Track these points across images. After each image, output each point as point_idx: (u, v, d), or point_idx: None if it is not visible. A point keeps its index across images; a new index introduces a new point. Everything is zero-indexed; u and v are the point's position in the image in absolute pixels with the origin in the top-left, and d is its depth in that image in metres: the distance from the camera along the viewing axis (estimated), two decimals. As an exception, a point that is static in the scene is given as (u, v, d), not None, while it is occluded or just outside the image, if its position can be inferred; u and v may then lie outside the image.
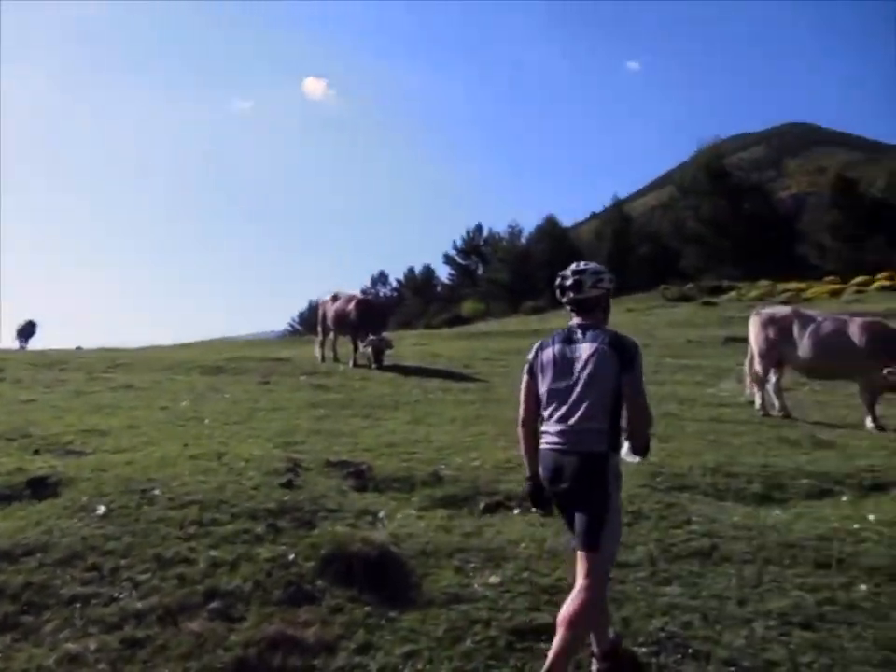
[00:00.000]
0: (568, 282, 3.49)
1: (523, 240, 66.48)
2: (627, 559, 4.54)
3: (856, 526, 5.16)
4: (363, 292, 51.09)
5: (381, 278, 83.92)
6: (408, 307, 71.35)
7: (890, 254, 45.25)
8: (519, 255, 62.05)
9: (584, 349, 3.34)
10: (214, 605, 3.86)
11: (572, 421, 3.28)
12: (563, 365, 3.37)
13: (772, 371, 9.40)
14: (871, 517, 5.39)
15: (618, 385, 3.27)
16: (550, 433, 3.37)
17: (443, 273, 77.24)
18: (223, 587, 4.03)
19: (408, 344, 21.25)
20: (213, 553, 4.38)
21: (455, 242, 73.70)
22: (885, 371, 8.11)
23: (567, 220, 74.30)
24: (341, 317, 15.13)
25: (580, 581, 3.22)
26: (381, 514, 5.18)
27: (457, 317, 54.24)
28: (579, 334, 3.41)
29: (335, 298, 15.74)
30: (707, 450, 7.09)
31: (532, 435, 3.53)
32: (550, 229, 63.01)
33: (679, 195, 56.52)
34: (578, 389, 3.30)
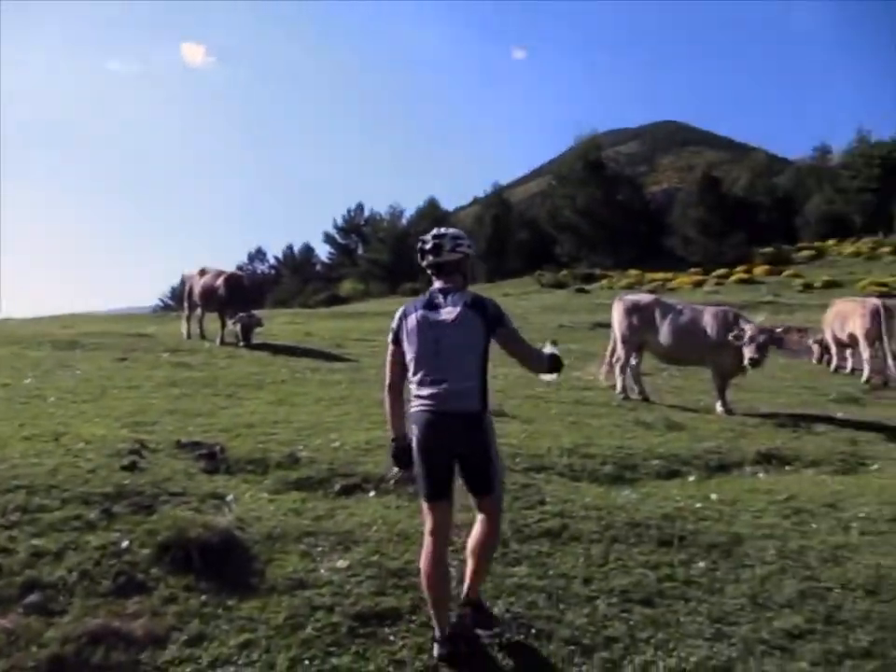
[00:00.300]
0: (428, 245, 3.60)
1: (404, 221, 66.39)
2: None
3: (699, 505, 5.37)
4: (239, 268, 49.72)
5: (258, 255, 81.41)
6: (285, 286, 69.70)
7: (749, 249, 48.20)
8: (399, 236, 61.92)
9: (448, 312, 3.45)
10: (32, 598, 3.55)
11: (445, 384, 3.39)
12: (428, 330, 3.45)
13: (633, 355, 9.73)
14: (713, 496, 5.63)
15: (485, 343, 3.46)
16: (423, 396, 3.44)
17: (323, 251, 76.12)
18: (45, 578, 3.72)
19: (281, 323, 20.74)
20: (36, 541, 4.03)
21: (335, 220, 72.66)
22: (730, 336, 8.51)
23: (449, 204, 74.73)
24: (208, 293, 14.50)
25: (481, 516, 3.55)
26: (229, 498, 4.94)
27: (335, 297, 53.55)
28: (441, 298, 3.51)
29: (203, 272, 15.06)
30: (566, 432, 7.22)
31: (398, 399, 3.63)
32: (431, 211, 63.19)
33: (557, 184, 57.95)
34: (446, 352, 3.42)
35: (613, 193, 53.99)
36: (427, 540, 3.47)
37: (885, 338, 11.84)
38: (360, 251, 69.62)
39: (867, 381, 11.95)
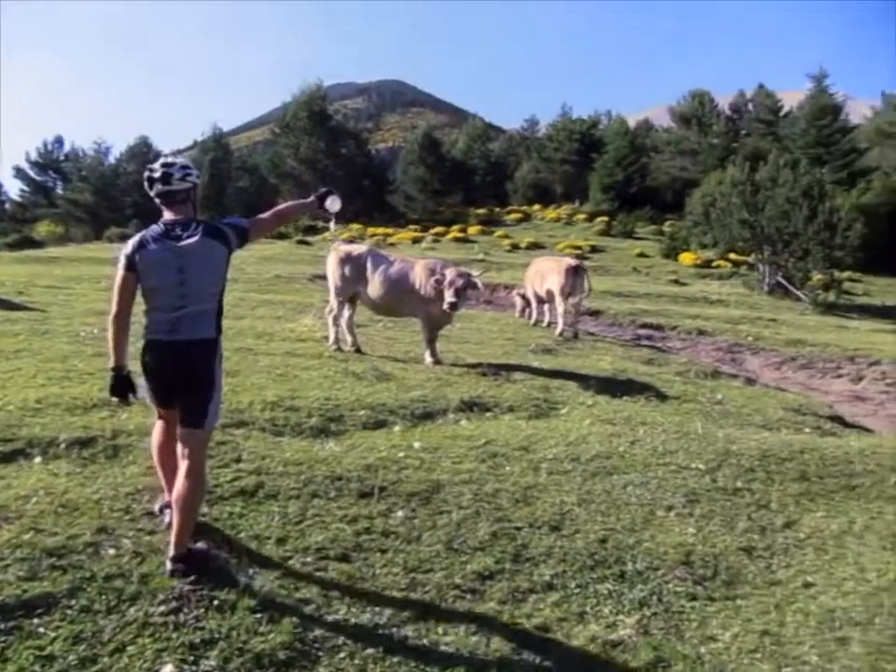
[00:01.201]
0: (157, 174, 3.60)
1: (111, 159, 60.37)
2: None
3: (401, 455, 5.35)
4: None
5: (-72, 189, 69.42)
6: (-37, 225, 60.33)
7: (465, 210, 50.72)
8: (106, 175, 56.28)
9: (188, 242, 3.50)
10: None
11: (187, 309, 3.48)
12: (169, 260, 3.47)
13: (346, 307, 9.58)
14: (416, 444, 5.65)
15: (225, 269, 3.64)
16: (162, 323, 3.50)
17: (14, 188, 66.88)
18: None
19: (-51, 266, 17.79)
20: None
21: (28, 154, 64.01)
22: (432, 280, 8.67)
23: (166, 146, 69.22)
24: None
25: (184, 460, 3.53)
26: None
27: (28, 239, 47.38)
28: (179, 230, 3.53)
29: None
30: (272, 385, 6.87)
31: (124, 329, 3.57)
32: (142, 151, 58.12)
33: (281, 132, 56.10)
34: (191, 281, 3.49)
35: (338, 146, 53.50)
36: (159, 422, 3.75)
37: (576, 295, 12.93)
38: (60, 190, 62.16)
39: (560, 333, 13.00)
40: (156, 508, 3.96)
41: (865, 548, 4.86)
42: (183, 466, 3.51)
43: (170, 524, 3.63)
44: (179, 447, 3.56)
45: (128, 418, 5.36)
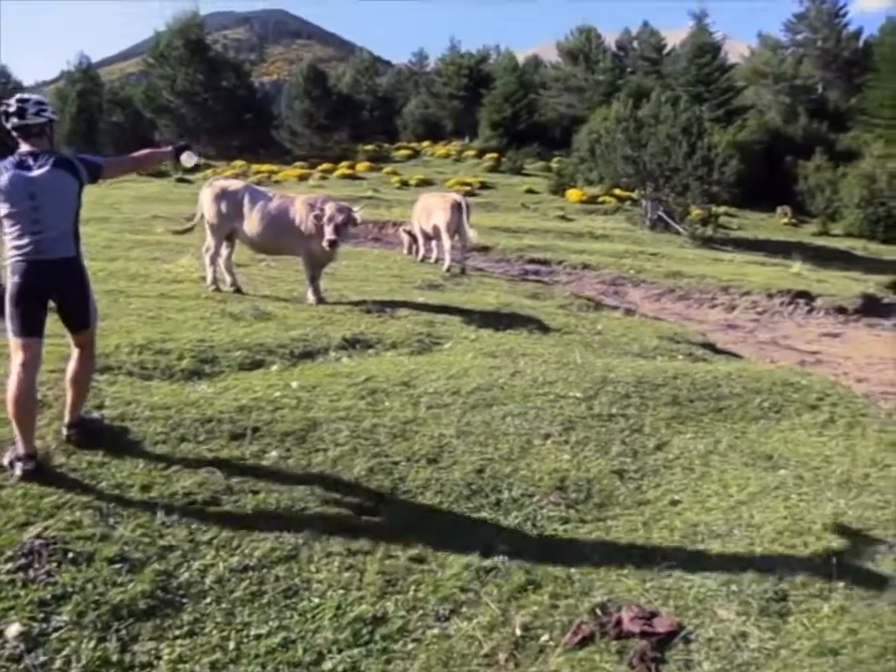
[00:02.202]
0: (12, 108, 3.84)
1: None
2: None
3: (277, 394, 5.19)
4: None
5: None
6: None
7: (353, 146, 49.62)
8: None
9: (39, 171, 3.75)
10: None
11: (41, 234, 3.75)
12: (22, 188, 3.72)
13: (224, 244, 9.19)
14: (294, 384, 5.50)
15: (76, 196, 3.88)
16: (21, 247, 3.74)
17: None
18: None
19: None
20: None
21: None
22: (311, 216, 8.43)
23: (29, 78, 64.01)
24: None
25: (78, 350, 4.07)
26: None
27: None
28: (31, 160, 3.78)
29: None
30: (142, 327, 6.52)
31: None
32: (1, 82, 53.60)
33: (155, 63, 52.75)
34: (43, 207, 3.75)
35: (218, 78, 50.81)
36: (18, 370, 3.75)
37: (463, 229, 12.88)
38: None
39: (448, 269, 12.98)
40: (5, 461, 3.76)
41: (729, 465, 5.13)
42: (78, 354, 4.06)
43: (21, 477, 3.68)
44: (75, 350, 4.08)
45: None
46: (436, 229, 13.32)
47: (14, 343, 3.80)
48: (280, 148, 51.08)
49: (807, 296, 15.42)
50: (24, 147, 3.85)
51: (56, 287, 3.86)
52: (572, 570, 3.63)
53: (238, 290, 9.11)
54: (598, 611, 3.27)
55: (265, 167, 39.62)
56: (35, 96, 4.00)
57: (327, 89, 55.69)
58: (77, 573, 3.02)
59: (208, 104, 49.38)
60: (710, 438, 5.61)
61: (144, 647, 2.79)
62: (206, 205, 9.18)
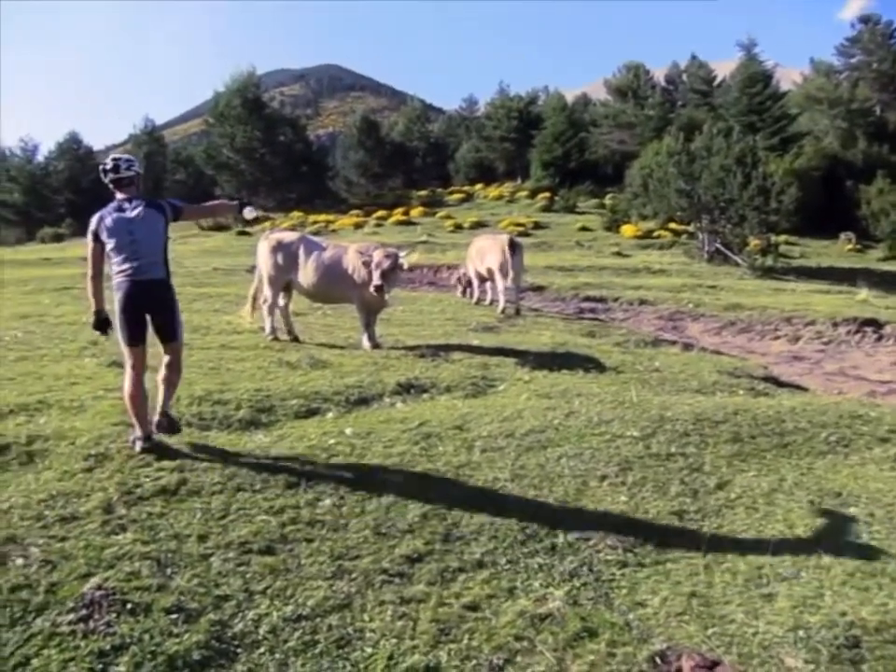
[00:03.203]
0: (109, 166, 4.87)
1: (40, 158, 58.46)
2: (75, 511, 3.92)
3: (332, 442, 5.25)
4: None
5: None
6: None
7: (407, 192, 50.45)
8: (34, 175, 54.48)
9: (134, 213, 4.75)
10: None
11: (140, 260, 4.71)
12: (122, 226, 4.71)
13: (281, 295, 9.41)
14: (348, 431, 5.55)
15: (164, 231, 4.84)
16: (125, 270, 4.70)
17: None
18: None
19: None
20: None
21: (-47, 156, 61.52)
22: (361, 263, 8.54)
23: (97, 142, 67.22)
24: None
25: (168, 357, 4.96)
26: None
27: (-43, 245, 45.70)
28: (126, 205, 4.79)
29: None
30: (202, 379, 6.70)
31: (99, 283, 4.80)
32: (72, 148, 56.43)
33: (215, 122, 54.86)
34: (139, 240, 4.71)
35: (275, 134, 52.55)
36: (130, 373, 4.76)
37: (513, 271, 12.91)
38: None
39: (502, 311, 13.00)
40: (129, 439, 4.85)
41: (795, 503, 4.93)
42: (168, 360, 4.95)
43: (143, 450, 4.74)
44: (165, 357, 4.95)
45: (45, 423, 5.17)
46: (490, 271, 13.40)
47: (125, 351, 4.76)
48: (336, 198, 52.27)
49: (875, 323, 14.87)
50: (120, 195, 4.86)
51: (150, 302, 4.76)
52: (630, 617, 3.52)
53: (295, 339, 9.30)
54: (658, 660, 3.16)
55: (322, 217, 40.54)
56: (125, 155, 5.00)
57: (380, 138, 57.01)
58: (136, 623, 3.07)
59: (266, 158, 50.97)
60: (774, 475, 5.42)
61: (199, 698, 2.81)
62: (263, 258, 9.43)
